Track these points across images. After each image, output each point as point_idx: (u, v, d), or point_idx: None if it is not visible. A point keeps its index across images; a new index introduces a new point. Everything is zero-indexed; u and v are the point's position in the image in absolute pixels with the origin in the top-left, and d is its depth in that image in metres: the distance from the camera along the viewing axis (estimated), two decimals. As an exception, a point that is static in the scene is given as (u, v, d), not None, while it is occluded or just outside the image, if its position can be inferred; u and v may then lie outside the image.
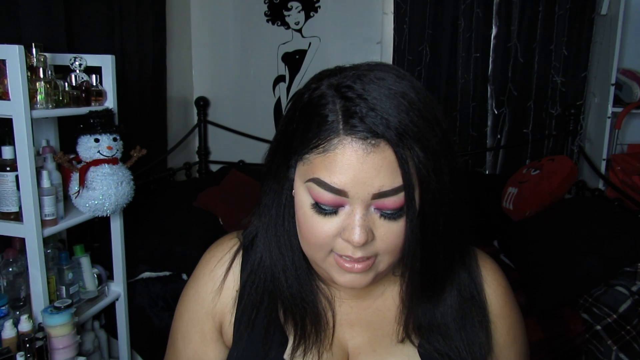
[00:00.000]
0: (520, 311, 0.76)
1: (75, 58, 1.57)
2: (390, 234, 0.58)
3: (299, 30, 2.87)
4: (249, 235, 0.75)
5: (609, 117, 2.32)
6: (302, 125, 0.59)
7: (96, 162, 1.50)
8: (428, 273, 0.63)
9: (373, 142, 0.55)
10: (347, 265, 0.59)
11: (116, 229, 1.76)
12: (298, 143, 0.60)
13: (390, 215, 0.58)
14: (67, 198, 1.55)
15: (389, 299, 0.71)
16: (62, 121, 1.71)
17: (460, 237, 0.65)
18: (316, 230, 0.59)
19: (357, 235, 0.56)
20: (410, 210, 0.57)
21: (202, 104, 2.99)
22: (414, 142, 0.55)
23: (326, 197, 0.57)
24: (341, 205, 0.58)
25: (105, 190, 1.50)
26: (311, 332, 0.67)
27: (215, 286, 0.74)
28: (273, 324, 0.69)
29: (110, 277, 1.81)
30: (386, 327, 0.70)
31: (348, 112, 0.56)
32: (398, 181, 0.56)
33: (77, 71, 1.58)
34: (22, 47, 1.28)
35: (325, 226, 0.59)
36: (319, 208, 0.59)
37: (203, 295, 0.75)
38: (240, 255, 0.75)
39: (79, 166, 1.50)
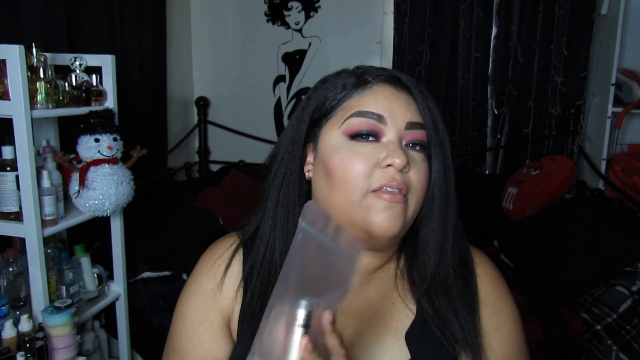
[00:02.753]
0: (509, 301, 0.75)
1: (75, 58, 1.57)
2: (421, 168, 0.66)
3: (299, 30, 2.87)
4: (247, 232, 0.76)
5: (609, 117, 2.32)
6: (327, 92, 0.69)
7: (96, 162, 1.50)
8: (446, 215, 0.69)
9: (399, 87, 0.68)
10: (388, 196, 0.62)
11: (116, 228, 1.76)
12: (328, 105, 0.68)
13: (419, 147, 0.66)
14: (67, 198, 1.55)
15: (381, 290, 0.73)
16: (62, 121, 1.71)
17: (456, 206, 0.71)
18: (354, 162, 0.63)
19: (399, 156, 0.62)
20: (435, 143, 0.67)
21: (202, 104, 2.99)
22: (426, 97, 0.68)
23: (366, 124, 0.65)
24: (379, 136, 0.65)
25: (105, 190, 1.50)
26: None
27: (218, 280, 0.74)
28: None
29: (111, 277, 1.81)
30: (375, 317, 0.71)
31: (371, 72, 0.69)
32: (421, 119, 0.67)
33: (77, 71, 1.58)
34: (22, 47, 1.28)
35: (365, 157, 0.64)
36: (358, 137, 0.65)
37: (207, 290, 0.75)
38: (240, 251, 0.76)
39: (79, 166, 1.50)
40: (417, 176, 0.64)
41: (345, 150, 0.64)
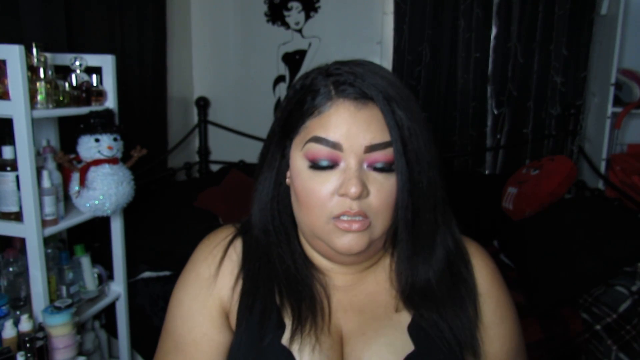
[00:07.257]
0: (508, 293, 0.77)
1: (75, 58, 1.57)
2: (382, 190, 0.63)
3: (299, 31, 2.88)
4: (246, 224, 0.77)
5: (608, 117, 2.32)
6: (296, 104, 0.66)
7: (96, 162, 1.50)
8: (416, 230, 0.67)
9: (363, 101, 0.63)
10: (346, 224, 0.63)
11: (116, 228, 1.77)
12: (295, 119, 0.67)
13: (382, 169, 0.63)
14: (67, 198, 1.55)
15: (379, 284, 0.73)
16: (62, 121, 1.71)
17: (441, 200, 0.69)
18: (315, 191, 0.64)
19: (354, 185, 0.61)
20: (400, 163, 0.63)
21: (203, 104, 2.99)
22: (397, 106, 0.62)
23: (323, 152, 0.63)
24: (336, 162, 0.63)
25: (105, 190, 1.50)
26: (307, 317, 0.69)
27: (216, 267, 0.75)
28: (269, 309, 0.70)
29: (111, 276, 1.82)
30: (376, 311, 0.71)
31: (338, 82, 0.64)
32: (387, 136, 0.63)
33: (78, 71, 1.58)
34: (22, 47, 1.28)
35: (323, 185, 0.63)
36: (316, 166, 0.64)
37: (205, 277, 0.75)
38: (239, 240, 0.77)
39: (80, 166, 1.50)
40: (377, 199, 0.63)
41: (306, 176, 0.65)
